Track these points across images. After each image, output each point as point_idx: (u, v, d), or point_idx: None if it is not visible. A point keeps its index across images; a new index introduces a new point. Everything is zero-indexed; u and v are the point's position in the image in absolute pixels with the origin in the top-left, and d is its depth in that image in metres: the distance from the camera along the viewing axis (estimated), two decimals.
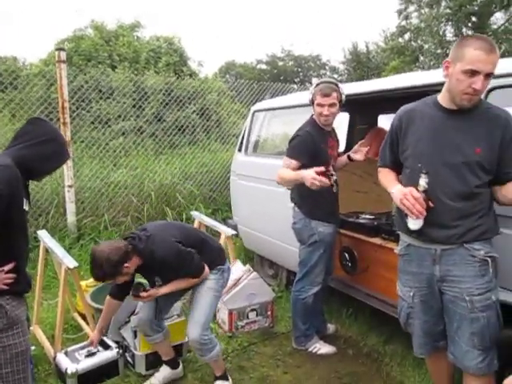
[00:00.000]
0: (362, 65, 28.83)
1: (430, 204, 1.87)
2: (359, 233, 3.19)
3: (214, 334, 3.27)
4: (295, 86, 8.97)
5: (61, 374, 2.68)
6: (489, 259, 1.90)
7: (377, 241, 3.03)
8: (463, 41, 1.82)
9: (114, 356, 2.76)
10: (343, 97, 2.82)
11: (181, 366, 2.83)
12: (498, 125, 1.85)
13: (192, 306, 2.55)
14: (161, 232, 2.44)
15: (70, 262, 2.77)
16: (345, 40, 57.42)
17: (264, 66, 33.65)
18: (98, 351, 2.76)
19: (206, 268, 2.48)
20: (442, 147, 1.90)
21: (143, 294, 2.40)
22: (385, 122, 4.39)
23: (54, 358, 2.75)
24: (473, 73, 1.75)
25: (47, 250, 3.27)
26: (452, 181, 1.86)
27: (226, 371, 2.68)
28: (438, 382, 2.30)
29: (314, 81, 7.44)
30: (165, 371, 2.75)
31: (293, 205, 3.02)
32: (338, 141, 3.12)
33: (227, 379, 2.65)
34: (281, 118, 4.28)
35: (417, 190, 1.87)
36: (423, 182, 1.87)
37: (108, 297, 2.58)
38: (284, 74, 31.74)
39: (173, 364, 2.77)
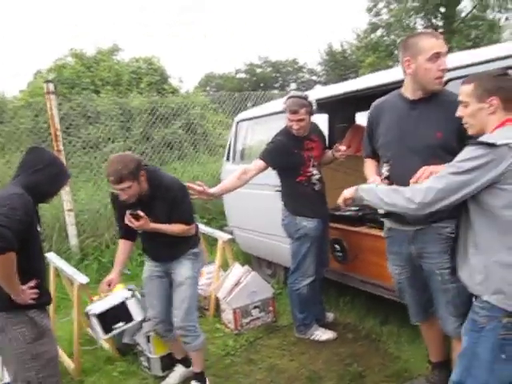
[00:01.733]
0: (338, 64, 29.36)
1: None
2: (346, 224, 3.43)
3: (221, 333, 3.53)
4: (276, 91, 9.20)
5: None
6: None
7: (363, 229, 3.28)
8: (412, 39, 2.08)
9: (127, 295, 2.61)
10: (314, 108, 3.05)
11: None
12: (456, 109, 2.01)
13: (173, 297, 2.67)
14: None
15: (81, 278, 2.98)
16: (320, 42, 58.11)
17: (243, 75, 34.07)
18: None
19: (194, 227, 2.69)
20: (407, 134, 2.12)
21: (140, 212, 2.42)
22: (362, 119, 4.66)
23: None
24: (437, 56, 2.00)
25: (57, 271, 3.47)
26: (418, 165, 1.99)
27: (204, 372, 2.81)
28: (431, 345, 2.53)
29: (292, 87, 7.76)
30: (179, 370, 2.95)
31: (282, 203, 3.26)
32: (321, 138, 3.30)
33: (204, 382, 2.78)
34: (263, 125, 4.51)
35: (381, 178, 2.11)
36: (384, 170, 2.14)
37: (121, 240, 2.73)
38: (263, 80, 32.19)
39: (186, 362, 2.96)
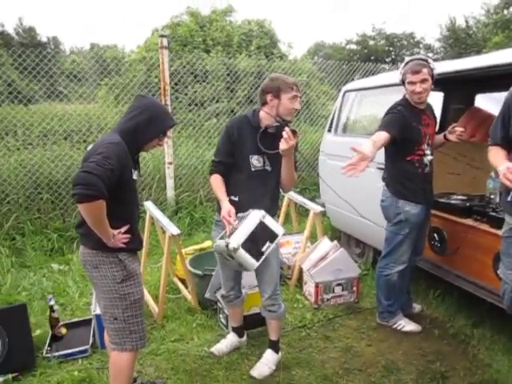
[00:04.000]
0: (459, 42, 26.98)
1: None
2: (450, 213, 3.15)
3: (300, 304, 3.51)
4: (386, 66, 8.71)
5: None
6: None
7: (468, 222, 2.99)
8: None
9: (262, 214, 2.27)
10: (435, 72, 2.76)
11: (245, 335, 2.98)
12: None
13: (260, 270, 2.47)
14: None
15: (173, 229, 3.08)
16: (441, 16, 53.79)
17: (354, 46, 32.74)
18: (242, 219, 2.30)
19: None
20: None
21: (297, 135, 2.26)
22: (483, 101, 4.21)
23: None
24: None
25: (152, 220, 3.63)
26: None
27: (279, 341, 2.76)
28: None
29: (406, 59, 7.26)
30: (232, 338, 2.93)
31: (383, 183, 3.06)
32: (435, 118, 3.03)
33: (278, 351, 2.74)
34: (371, 98, 4.27)
35: None
36: None
37: (217, 175, 2.45)
38: (375, 53, 30.62)
39: (240, 332, 2.94)
